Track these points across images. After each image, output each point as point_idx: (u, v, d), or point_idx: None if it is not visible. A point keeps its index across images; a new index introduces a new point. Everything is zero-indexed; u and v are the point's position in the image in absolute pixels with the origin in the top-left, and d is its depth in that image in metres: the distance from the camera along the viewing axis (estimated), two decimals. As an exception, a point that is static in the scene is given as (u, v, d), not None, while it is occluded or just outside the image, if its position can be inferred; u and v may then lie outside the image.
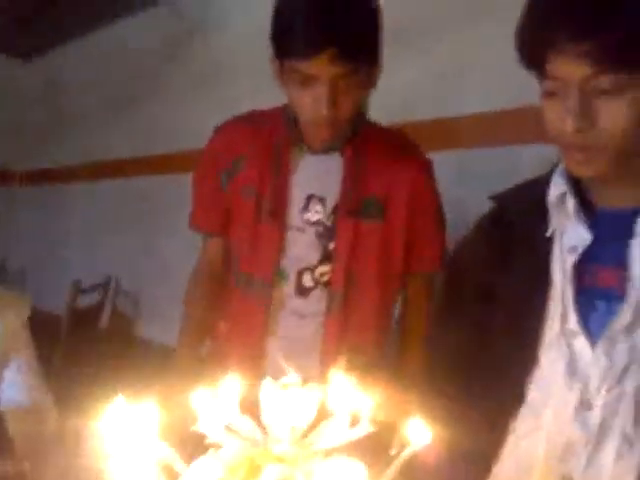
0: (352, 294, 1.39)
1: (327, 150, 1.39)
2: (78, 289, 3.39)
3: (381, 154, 1.40)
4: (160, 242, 3.61)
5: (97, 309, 3.60)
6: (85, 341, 3.33)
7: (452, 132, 2.24)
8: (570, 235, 0.97)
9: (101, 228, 4.23)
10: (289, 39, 1.21)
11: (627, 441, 0.90)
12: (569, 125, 0.85)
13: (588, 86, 0.84)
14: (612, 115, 0.84)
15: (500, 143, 2.08)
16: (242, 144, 1.43)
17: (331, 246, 1.39)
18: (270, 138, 1.41)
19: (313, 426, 0.72)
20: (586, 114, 0.85)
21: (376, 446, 0.70)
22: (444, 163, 2.04)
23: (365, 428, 0.72)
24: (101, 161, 4.20)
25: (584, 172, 0.92)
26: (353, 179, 1.38)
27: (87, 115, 4.41)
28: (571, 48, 0.83)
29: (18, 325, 1.52)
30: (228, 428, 0.73)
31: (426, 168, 1.45)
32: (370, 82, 1.31)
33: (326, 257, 1.40)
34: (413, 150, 1.46)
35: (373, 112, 2.14)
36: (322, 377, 0.78)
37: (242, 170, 1.42)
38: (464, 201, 1.65)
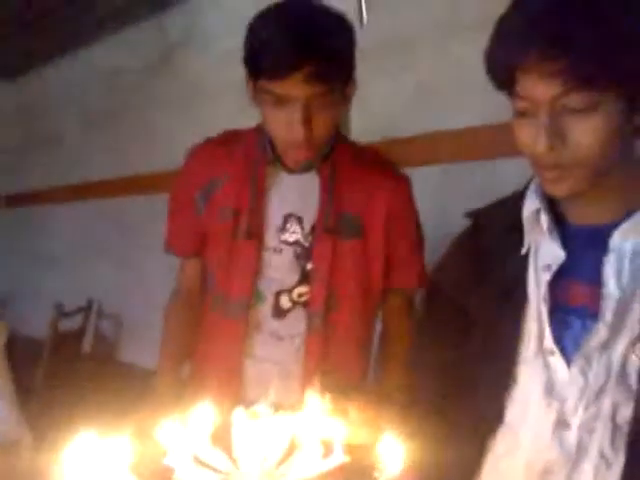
0: (332, 314, 1.38)
1: (304, 169, 1.37)
2: (60, 312, 3.35)
3: (358, 172, 1.39)
4: (141, 264, 3.58)
5: (79, 333, 3.56)
6: (67, 365, 3.29)
7: (434, 147, 2.24)
8: (544, 252, 0.96)
9: (82, 250, 4.19)
10: (262, 58, 1.19)
11: (605, 461, 0.89)
12: (540, 144, 0.85)
13: (558, 104, 0.84)
14: (583, 133, 0.84)
15: (482, 157, 2.09)
16: (217, 166, 1.41)
17: (309, 266, 1.37)
18: (246, 158, 1.39)
19: (286, 456, 0.70)
20: (557, 133, 0.84)
21: (352, 473, 0.69)
22: (426, 178, 2.04)
23: (338, 458, 0.70)
24: (82, 182, 4.17)
25: (558, 191, 0.91)
26: (330, 198, 1.36)
27: (66, 136, 4.40)
28: (540, 68, 0.82)
29: None
30: (198, 460, 0.71)
31: (403, 184, 1.44)
32: (345, 100, 1.30)
33: (304, 278, 1.38)
34: (390, 167, 1.45)
35: (355, 130, 2.16)
36: (302, 400, 0.76)
37: (219, 191, 1.40)
38: (446, 216, 1.64)
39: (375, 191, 1.38)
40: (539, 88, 0.84)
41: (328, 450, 0.70)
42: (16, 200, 4.96)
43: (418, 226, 1.46)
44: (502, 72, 0.88)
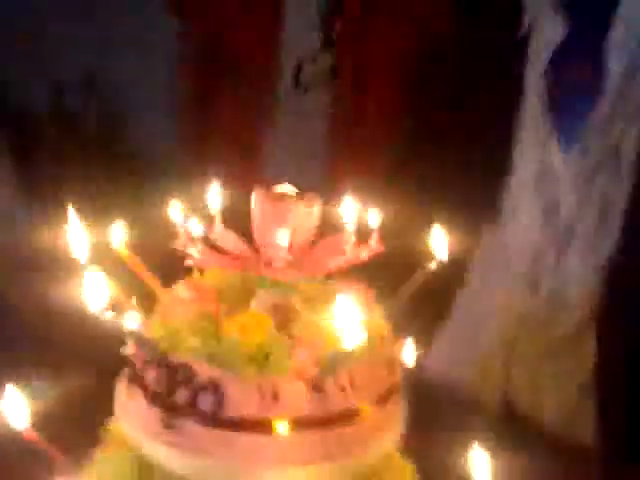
0: (358, 91, 1.24)
1: None
2: (59, 88, 3.21)
3: None
4: (140, 37, 3.35)
5: (82, 109, 3.44)
6: (71, 143, 3.23)
7: None
8: (546, 29, 0.90)
9: (81, 17, 3.91)
10: None
11: (590, 245, 0.91)
12: None
13: None
14: None
15: None
16: None
17: (337, 27, 1.21)
18: None
19: (313, 244, 0.61)
20: None
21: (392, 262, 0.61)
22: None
23: (374, 247, 0.60)
24: None
25: None
26: None
27: None
28: None
29: None
30: (212, 245, 0.61)
31: None
32: None
33: (329, 42, 1.22)
34: None
35: None
36: (327, 182, 0.66)
37: None
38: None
39: None
40: None
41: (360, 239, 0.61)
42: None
43: None
44: None
